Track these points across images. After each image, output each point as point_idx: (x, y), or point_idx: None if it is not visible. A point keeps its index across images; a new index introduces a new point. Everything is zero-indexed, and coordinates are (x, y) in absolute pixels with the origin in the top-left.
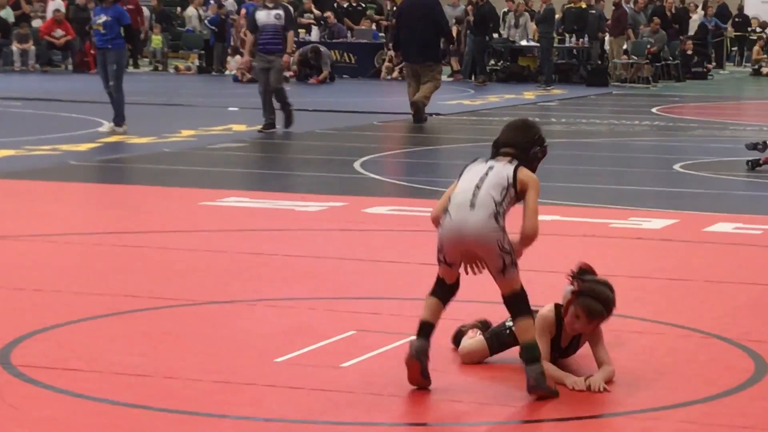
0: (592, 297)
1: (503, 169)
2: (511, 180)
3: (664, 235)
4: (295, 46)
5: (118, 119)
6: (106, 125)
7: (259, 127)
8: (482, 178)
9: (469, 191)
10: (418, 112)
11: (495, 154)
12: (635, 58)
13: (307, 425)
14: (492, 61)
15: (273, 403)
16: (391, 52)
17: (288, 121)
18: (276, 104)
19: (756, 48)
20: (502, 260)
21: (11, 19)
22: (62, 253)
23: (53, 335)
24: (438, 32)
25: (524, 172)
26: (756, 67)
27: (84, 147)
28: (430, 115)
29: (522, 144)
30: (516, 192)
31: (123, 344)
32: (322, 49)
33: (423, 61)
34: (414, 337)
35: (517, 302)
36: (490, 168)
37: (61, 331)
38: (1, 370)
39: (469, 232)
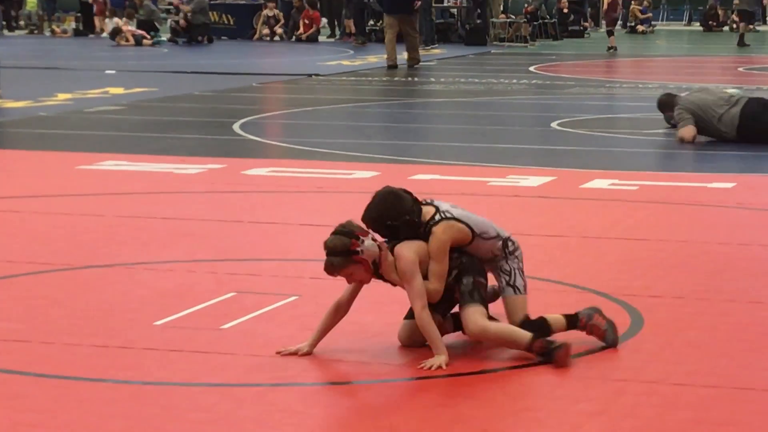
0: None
1: None
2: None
3: (542, 192)
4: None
5: None
6: None
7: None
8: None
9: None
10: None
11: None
12: (513, 17)
13: (187, 388)
14: (371, 21)
15: (152, 366)
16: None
17: None
18: None
19: (633, 6)
20: None
21: None
22: None
23: None
24: None
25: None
26: (632, 24)
27: None
28: (309, 75)
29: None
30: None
31: (0, 310)
32: None
33: (398, 12)
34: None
35: None
36: None
37: None
38: None
39: None
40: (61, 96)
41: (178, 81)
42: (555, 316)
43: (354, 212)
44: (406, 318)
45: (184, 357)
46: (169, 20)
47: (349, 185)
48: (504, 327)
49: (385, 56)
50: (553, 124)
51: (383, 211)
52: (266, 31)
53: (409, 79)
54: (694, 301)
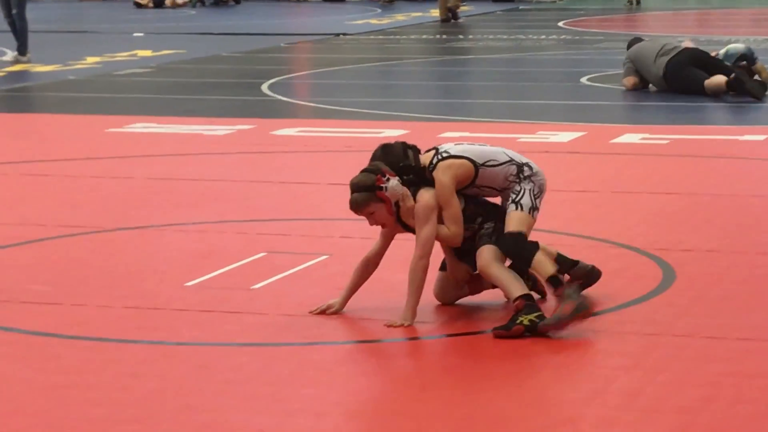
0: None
1: None
2: None
3: (572, 147)
4: None
5: (22, 48)
6: (10, 54)
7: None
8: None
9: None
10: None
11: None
12: None
13: (219, 348)
14: None
15: (184, 327)
16: None
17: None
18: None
19: None
20: None
21: None
22: None
23: None
24: None
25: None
26: None
27: None
28: (337, 35)
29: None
30: None
31: (32, 273)
32: None
33: None
34: None
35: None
36: None
37: None
38: None
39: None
40: (90, 59)
41: (206, 42)
42: (547, 260)
43: None
44: (440, 269)
45: (215, 317)
46: None
47: (378, 143)
48: (505, 273)
49: (436, 11)
50: (583, 80)
51: (390, 160)
52: None
53: (438, 36)
54: (727, 255)
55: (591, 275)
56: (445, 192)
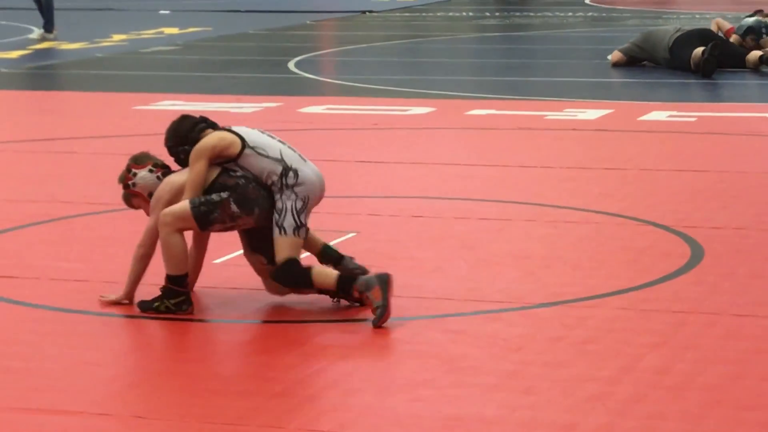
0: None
1: None
2: None
3: (599, 125)
4: None
5: (48, 25)
6: (36, 32)
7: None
8: (269, 133)
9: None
10: None
11: None
12: None
13: (245, 324)
14: None
15: (212, 303)
16: None
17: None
18: None
19: None
20: None
21: None
22: None
23: None
24: None
25: None
26: None
27: (14, 54)
28: (363, 12)
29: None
30: None
31: (60, 250)
32: None
33: None
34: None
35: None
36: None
37: None
38: None
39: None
40: (117, 37)
41: (232, 20)
42: (326, 272)
43: (411, 149)
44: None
45: (243, 294)
46: None
47: (405, 121)
48: (177, 246)
49: None
50: (610, 57)
51: (167, 136)
52: None
53: (464, 14)
54: (755, 232)
55: (354, 272)
56: (196, 153)
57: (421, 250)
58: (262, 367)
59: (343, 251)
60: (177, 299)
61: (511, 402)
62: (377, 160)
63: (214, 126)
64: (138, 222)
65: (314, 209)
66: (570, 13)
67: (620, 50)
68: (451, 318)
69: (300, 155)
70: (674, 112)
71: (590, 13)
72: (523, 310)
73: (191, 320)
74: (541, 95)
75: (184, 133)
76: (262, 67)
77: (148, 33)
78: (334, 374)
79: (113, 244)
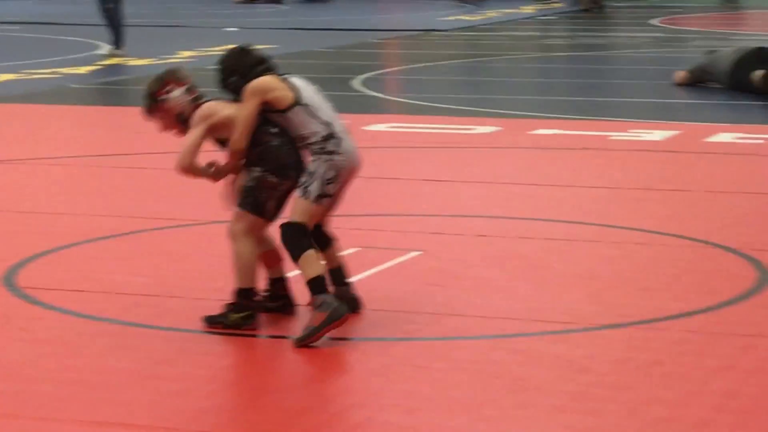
0: None
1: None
2: None
3: (665, 146)
4: None
5: (118, 42)
6: (105, 48)
7: None
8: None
9: (336, 117)
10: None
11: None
12: None
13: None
14: None
15: (279, 319)
16: None
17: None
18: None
19: None
20: None
21: None
22: (64, 175)
23: (58, 257)
24: None
25: None
26: None
27: (83, 70)
28: (429, 31)
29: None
30: None
31: (128, 265)
32: None
33: None
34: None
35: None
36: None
37: (65, 253)
38: (7, 292)
39: (359, 158)
40: (183, 53)
41: (299, 38)
42: (314, 265)
43: (475, 168)
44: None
45: (309, 311)
46: None
47: (470, 140)
48: (246, 256)
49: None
50: (675, 77)
51: (226, 63)
52: None
53: (529, 33)
54: None
55: (351, 303)
56: (251, 91)
57: (486, 269)
58: (322, 384)
59: (407, 270)
60: (244, 314)
61: (576, 424)
62: (442, 179)
63: (274, 69)
64: (205, 237)
65: (378, 226)
66: (636, 34)
67: (685, 70)
68: (515, 338)
69: (345, 127)
70: (741, 134)
71: (657, 34)
72: (588, 332)
73: (255, 336)
74: (607, 115)
75: (244, 67)
76: (328, 85)
77: (215, 50)
78: (396, 393)
79: (180, 259)
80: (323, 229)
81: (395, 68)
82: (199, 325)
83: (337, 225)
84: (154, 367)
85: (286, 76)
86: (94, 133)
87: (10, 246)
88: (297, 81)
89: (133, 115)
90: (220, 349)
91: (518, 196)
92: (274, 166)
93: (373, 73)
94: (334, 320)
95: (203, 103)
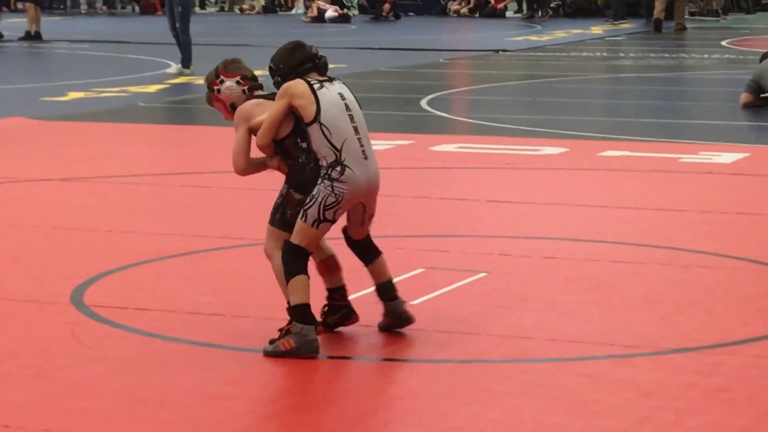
0: None
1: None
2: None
3: (735, 169)
4: None
5: (186, 61)
6: (174, 66)
7: None
8: (351, 116)
9: (359, 137)
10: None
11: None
12: None
13: (377, 362)
14: None
15: (342, 340)
16: None
17: None
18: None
19: None
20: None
21: None
22: (132, 194)
23: (125, 275)
24: None
25: None
26: None
27: (152, 88)
28: (496, 51)
29: None
30: None
31: (195, 284)
32: None
33: None
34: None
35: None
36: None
37: (133, 272)
38: (74, 310)
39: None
40: None
41: (366, 57)
42: (300, 291)
43: (543, 189)
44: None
45: (373, 333)
46: None
47: (537, 161)
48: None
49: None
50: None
51: (276, 57)
52: (455, 7)
53: (598, 54)
54: None
55: (402, 318)
56: (282, 92)
57: (553, 291)
58: (389, 406)
59: (473, 291)
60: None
61: None
62: (509, 200)
63: (320, 69)
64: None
65: (444, 247)
66: (706, 55)
67: (746, 90)
68: (582, 361)
69: (365, 151)
70: None
71: (726, 56)
72: (655, 356)
73: (316, 356)
74: (676, 137)
75: (290, 64)
76: (395, 105)
77: None
78: (462, 415)
79: (247, 279)
80: (368, 242)
81: (463, 88)
82: (266, 344)
83: (402, 245)
84: (220, 387)
85: (324, 82)
86: (163, 151)
87: (79, 264)
88: (328, 93)
89: (201, 133)
90: (284, 369)
91: (586, 218)
92: (297, 183)
93: (440, 93)
94: (300, 355)
95: (257, 95)
